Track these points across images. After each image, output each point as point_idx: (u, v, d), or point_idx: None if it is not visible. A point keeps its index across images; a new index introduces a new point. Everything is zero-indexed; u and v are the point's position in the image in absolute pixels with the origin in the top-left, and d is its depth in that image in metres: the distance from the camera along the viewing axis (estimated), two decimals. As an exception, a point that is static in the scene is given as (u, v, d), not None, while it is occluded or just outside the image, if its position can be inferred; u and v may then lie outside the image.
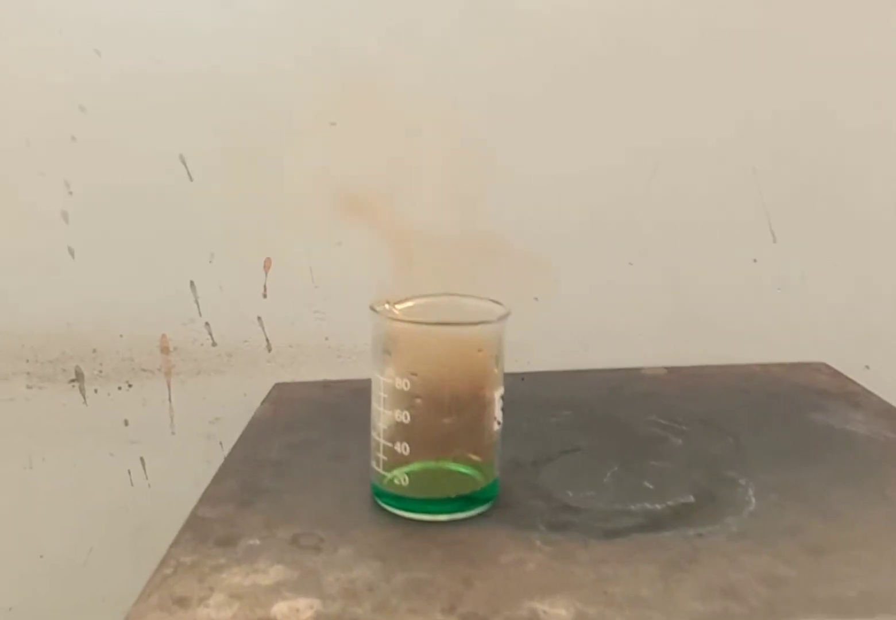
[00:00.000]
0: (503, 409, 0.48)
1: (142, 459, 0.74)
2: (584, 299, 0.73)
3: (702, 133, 0.70)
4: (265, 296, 0.72)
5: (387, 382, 0.46)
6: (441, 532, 0.46)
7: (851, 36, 0.70)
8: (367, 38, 0.67)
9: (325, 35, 0.67)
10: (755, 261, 0.73)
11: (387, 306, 0.48)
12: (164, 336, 0.72)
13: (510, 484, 0.50)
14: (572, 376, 0.71)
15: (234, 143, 0.68)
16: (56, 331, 0.71)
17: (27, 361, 0.72)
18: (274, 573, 0.41)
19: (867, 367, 0.74)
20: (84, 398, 0.73)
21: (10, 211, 0.69)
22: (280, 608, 0.39)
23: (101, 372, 0.72)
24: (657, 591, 0.40)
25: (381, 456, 0.47)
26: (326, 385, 0.70)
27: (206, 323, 0.72)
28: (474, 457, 0.48)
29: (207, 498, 0.50)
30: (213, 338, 0.72)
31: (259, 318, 0.72)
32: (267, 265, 0.71)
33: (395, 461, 0.47)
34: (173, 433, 0.74)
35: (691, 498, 0.49)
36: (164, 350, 0.72)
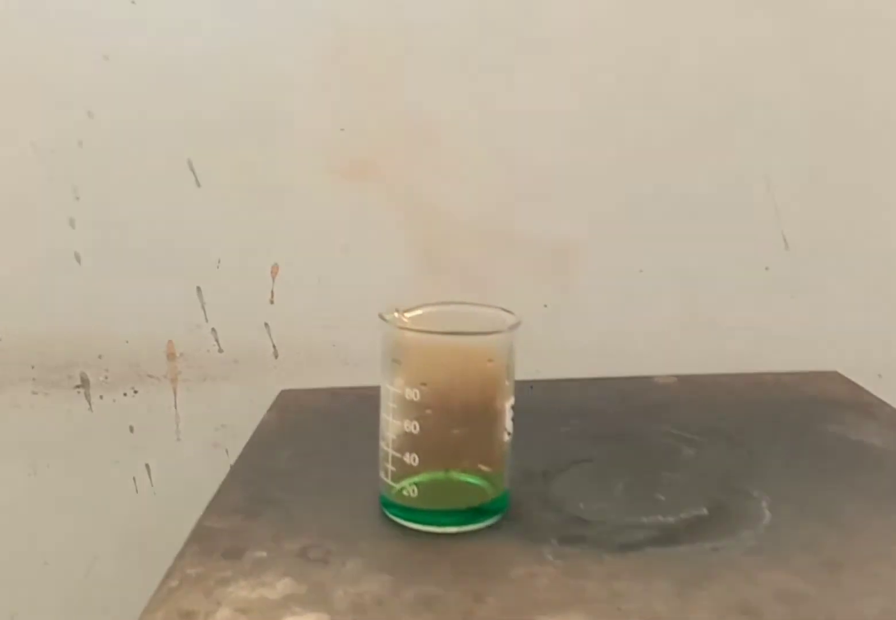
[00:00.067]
0: (513, 419, 0.47)
1: (147, 466, 0.74)
2: (594, 306, 0.72)
3: (714, 139, 0.70)
4: (272, 302, 0.71)
5: (396, 392, 0.46)
6: (450, 545, 0.45)
7: (867, 43, 0.69)
8: (375, 40, 0.67)
9: (335, 39, 0.67)
10: (767, 268, 0.72)
11: (396, 314, 0.47)
12: (170, 342, 0.71)
13: (520, 496, 0.49)
14: (582, 384, 0.70)
15: (243, 149, 0.68)
16: (61, 337, 0.71)
17: (32, 367, 0.71)
18: (281, 586, 0.41)
19: (880, 376, 0.73)
20: (89, 404, 0.72)
21: (17, 216, 0.69)
22: (288, 623, 0.38)
23: (106, 378, 0.72)
24: (673, 608, 0.39)
25: (390, 466, 0.47)
26: (333, 392, 0.69)
27: (213, 330, 0.71)
28: (484, 468, 0.47)
29: (214, 507, 0.49)
30: (219, 345, 0.72)
31: (266, 324, 0.72)
32: (274, 271, 0.71)
33: (404, 471, 0.46)
34: (179, 440, 0.74)
35: (705, 511, 0.48)
36: (171, 356, 0.72)
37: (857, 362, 0.72)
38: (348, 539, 0.45)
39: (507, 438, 0.47)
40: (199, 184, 0.68)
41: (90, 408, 0.72)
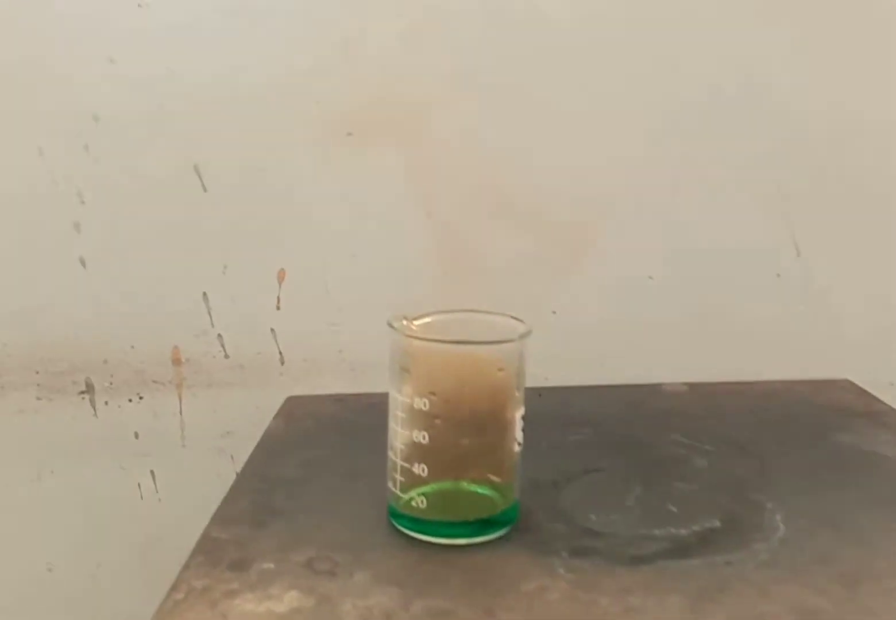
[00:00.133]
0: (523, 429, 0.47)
1: (152, 472, 0.73)
2: (602, 313, 0.71)
3: (727, 146, 0.69)
4: (279, 307, 0.71)
5: (405, 401, 0.45)
6: (460, 557, 0.44)
7: (882, 50, 0.68)
8: (385, 45, 0.66)
9: (343, 44, 0.66)
10: (778, 275, 0.72)
11: (404, 322, 0.47)
12: (175, 348, 0.71)
13: (530, 506, 0.49)
14: (591, 392, 0.69)
15: (249, 154, 0.68)
16: (66, 342, 0.70)
17: (37, 372, 0.71)
18: (288, 599, 0.40)
19: (892, 384, 0.72)
20: (94, 410, 0.72)
21: (22, 220, 0.68)
22: (295, 637, 0.37)
23: (111, 383, 0.71)
24: (686, 624, 0.38)
25: (398, 476, 0.46)
26: (340, 399, 0.69)
27: (219, 335, 0.71)
28: (494, 479, 0.46)
29: (220, 517, 0.49)
30: (225, 351, 0.71)
31: (272, 330, 0.71)
32: (281, 276, 0.70)
33: (413, 482, 0.46)
34: (184, 446, 0.73)
35: (717, 523, 0.48)
36: (176, 362, 0.71)
37: (869, 370, 0.72)
38: (356, 551, 0.45)
39: (517, 448, 0.46)
40: (205, 189, 0.68)
41: (95, 414, 0.72)
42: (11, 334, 0.70)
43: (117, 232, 0.69)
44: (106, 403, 0.72)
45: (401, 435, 0.45)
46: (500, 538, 0.46)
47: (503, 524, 0.46)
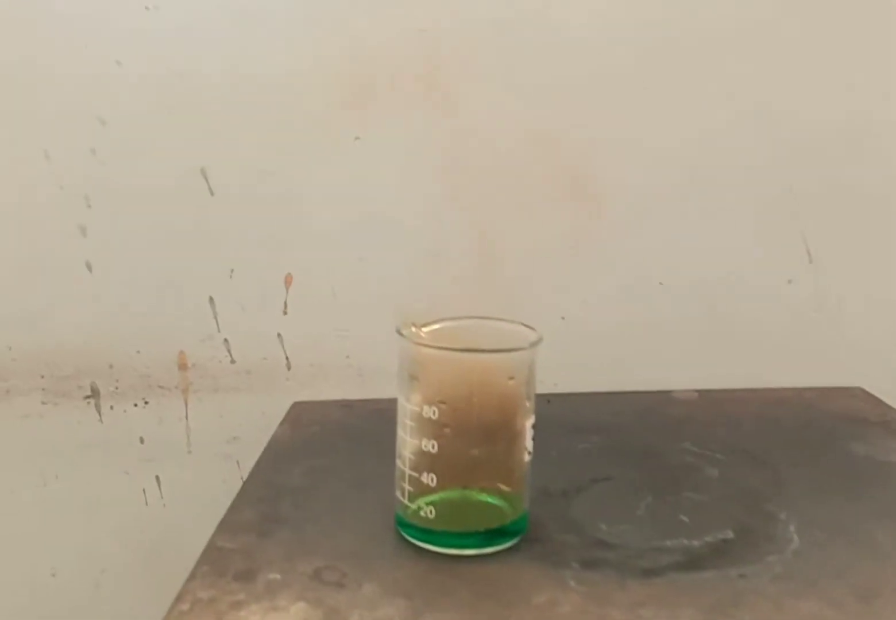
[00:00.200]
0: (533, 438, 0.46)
1: (157, 478, 0.73)
2: (612, 319, 0.71)
3: (740, 151, 0.68)
4: (285, 312, 0.70)
5: (413, 410, 0.44)
6: (469, 568, 0.44)
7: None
8: (392, 47, 0.66)
9: (349, 46, 0.66)
10: (790, 281, 0.71)
11: (413, 329, 0.46)
12: (181, 352, 0.70)
13: (539, 516, 0.48)
14: (600, 399, 0.69)
15: (257, 157, 0.67)
16: (72, 347, 0.70)
17: (42, 377, 0.70)
18: (295, 611, 0.40)
19: (905, 392, 0.72)
20: (99, 415, 0.71)
21: (28, 224, 0.68)
22: (302, 650, 0.37)
23: (117, 388, 0.71)
24: (700, 639, 0.37)
25: (407, 486, 0.45)
26: (347, 405, 0.68)
27: (225, 340, 0.70)
28: (504, 489, 0.46)
29: (226, 526, 0.48)
30: (231, 356, 0.71)
31: (279, 335, 0.71)
32: (288, 281, 0.70)
33: (421, 491, 0.45)
34: (190, 451, 0.72)
35: (730, 534, 0.47)
36: (182, 367, 0.71)
37: (882, 378, 0.71)
38: (363, 561, 0.44)
39: (527, 458, 0.46)
40: (212, 193, 0.67)
41: (100, 419, 0.71)
42: (16, 338, 0.69)
43: (124, 236, 0.68)
44: (111, 408, 0.71)
45: (409, 443, 0.45)
46: (510, 548, 0.45)
47: (513, 534, 0.46)
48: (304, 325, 0.70)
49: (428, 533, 0.45)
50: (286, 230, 0.68)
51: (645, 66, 0.67)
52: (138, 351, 0.70)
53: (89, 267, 0.68)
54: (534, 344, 0.44)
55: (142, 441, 0.72)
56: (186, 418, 0.72)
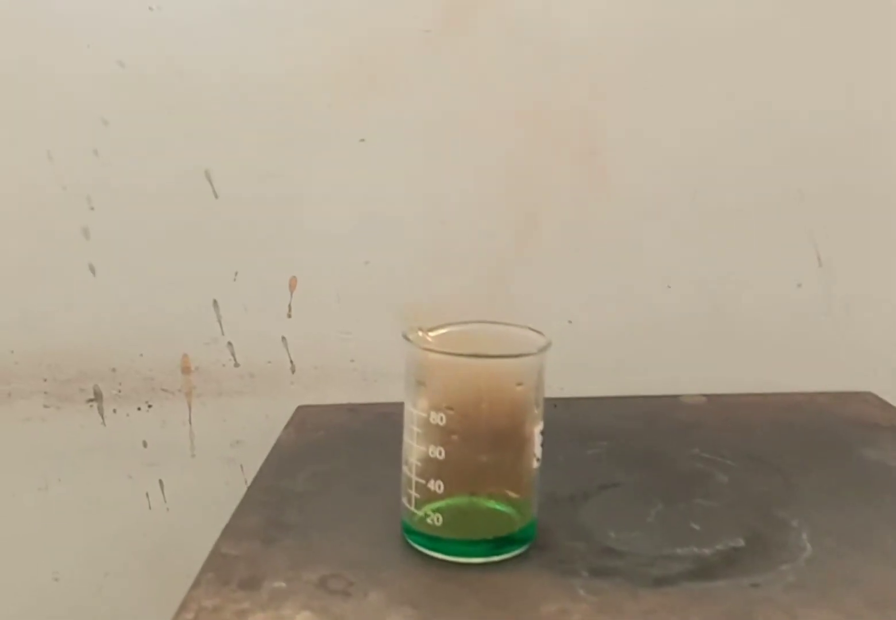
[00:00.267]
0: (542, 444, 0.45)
1: (160, 482, 0.72)
2: (619, 322, 0.70)
3: (748, 153, 0.68)
4: (290, 315, 0.70)
5: (420, 416, 0.44)
6: (477, 576, 0.43)
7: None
8: (395, 48, 0.65)
9: (354, 48, 0.65)
10: (799, 285, 0.70)
11: (420, 333, 0.46)
12: (185, 356, 0.70)
13: (547, 523, 0.47)
14: (607, 403, 0.68)
15: (261, 159, 0.66)
16: (75, 350, 0.69)
17: (45, 380, 0.70)
18: (301, 620, 0.39)
19: (915, 397, 0.71)
20: (102, 418, 0.71)
21: (30, 226, 0.67)
22: (308, 661, 0.36)
23: (120, 391, 0.70)
24: (713, 650, 0.37)
25: (413, 493, 0.45)
26: (352, 408, 0.68)
27: (229, 343, 0.70)
28: (512, 496, 0.45)
29: (230, 532, 0.48)
30: (235, 359, 0.70)
31: (283, 338, 0.70)
32: (292, 284, 0.69)
33: (428, 498, 0.44)
34: (193, 455, 0.72)
35: (742, 542, 0.46)
36: (185, 370, 0.70)
37: (891, 382, 0.70)
38: (370, 569, 0.43)
39: (535, 464, 0.45)
40: (216, 195, 0.67)
41: (103, 422, 0.71)
42: (19, 341, 0.69)
43: (127, 238, 0.68)
44: (114, 411, 0.71)
45: (416, 450, 0.44)
46: (518, 556, 0.45)
47: (521, 542, 0.45)
48: (308, 328, 0.70)
49: (435, 541, 0.44)
50: (290, 232, 0.68)
51: (645, 66, 0.67)
52: (141, 354, 0.70)
53: (92, 269, 0.68)
54: (542, 350, 0.44)
55: (145, 444, 0.72)
56: (190, 422, 0.71)
